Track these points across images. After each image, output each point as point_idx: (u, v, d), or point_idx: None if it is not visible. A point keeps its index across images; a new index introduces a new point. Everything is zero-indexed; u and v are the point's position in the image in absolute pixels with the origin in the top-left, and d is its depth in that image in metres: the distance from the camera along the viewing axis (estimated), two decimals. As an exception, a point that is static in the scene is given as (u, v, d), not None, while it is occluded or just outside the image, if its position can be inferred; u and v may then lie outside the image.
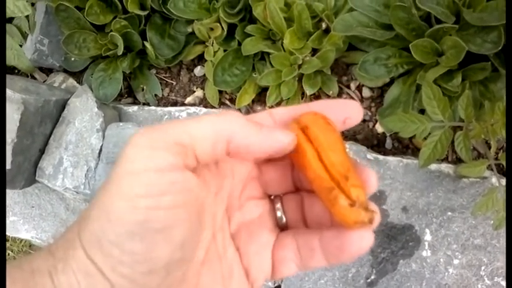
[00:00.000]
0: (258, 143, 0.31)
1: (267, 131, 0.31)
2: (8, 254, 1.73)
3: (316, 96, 1.01)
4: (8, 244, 1.74)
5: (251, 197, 0.37)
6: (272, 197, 0.38)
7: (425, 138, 0.80)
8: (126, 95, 1.14)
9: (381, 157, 0.88)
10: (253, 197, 0.37)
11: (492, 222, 0.83)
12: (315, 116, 0.33)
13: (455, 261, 0.84)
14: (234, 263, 0.35)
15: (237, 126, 0.30)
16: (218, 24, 0.99)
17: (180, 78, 1.11)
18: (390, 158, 0.88)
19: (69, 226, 0.31)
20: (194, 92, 1.09)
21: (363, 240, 0.31)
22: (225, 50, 1.01)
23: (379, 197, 0.86)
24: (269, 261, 0.35)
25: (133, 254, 0.28)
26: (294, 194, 0.37)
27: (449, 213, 0.85)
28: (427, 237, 0.85)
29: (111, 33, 1.02)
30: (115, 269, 0.28)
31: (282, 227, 0.37)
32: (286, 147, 0.32)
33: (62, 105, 1.05)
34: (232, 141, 0.30)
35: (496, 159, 0.83)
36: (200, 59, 1.10)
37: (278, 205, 0.37)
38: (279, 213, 0.37)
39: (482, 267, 0.83)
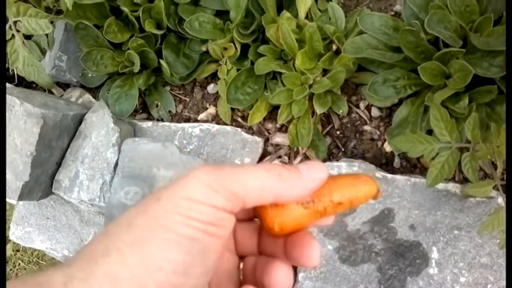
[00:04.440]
0: (302, 190, 0.35)
1: (306, 174, 0.35)
2: (19, 264, 1.76)
3: (326, 116, 1.04)
4: (18, 254, 1.77)
5: (227, 249, 0.40)
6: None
7: (432, 159, 0.82)
8: (140, 111, 1.18)
9: (389, 176, 0.91)
10: (227, 249, 0.40)
11: (498, 241, 0.85)
12: None
13: (462, 279, 0.85)
14: None
15: (283, 184, 0.34)
16: (232, 44, 1.03)
17: (194, 95, 1.14)
18: (398, 177, 0.90)
19: (89, 241, 0.32)
20: (207, 108, 1.12)
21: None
22: (238, 69, 1.04)
23: (387, 215, 0.88)
24: (238, 279, 0.40)
25: (174, 263, 0.30)
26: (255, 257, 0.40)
27: (456, 231, 0.87)
28: (434, 255, 0.87)
29: (128, 51, 1.06)
30: (151, 275, 0.29)
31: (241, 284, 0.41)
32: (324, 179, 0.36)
33: (79, 120, 1.09)
34: (279, 195, 0.34)
35: (502, 179, 0.85)
36: (213, 77, 1.13)
37: (241, 265, 0.41)
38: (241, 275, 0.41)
39: (489, 286, 0.85)
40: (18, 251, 1.77)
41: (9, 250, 1.75)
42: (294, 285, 0.92)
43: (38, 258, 1.74)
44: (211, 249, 0.32)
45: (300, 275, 0.91)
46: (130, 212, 0.32)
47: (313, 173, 0.35)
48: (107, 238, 0.31)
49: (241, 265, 0.41)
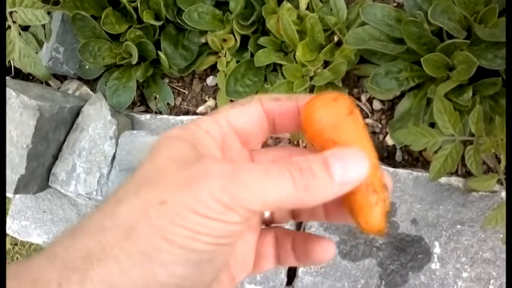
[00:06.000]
0: (331, 197, 0.29)
1: (341, 178, 0.29)
2: (17, 258, 1.74)
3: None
4: (16, 248, 1.75)
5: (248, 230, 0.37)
6: None
7: (435, 152, 0.81)
8: (138, 103, 1.16)
9: (391, 169, 0.89)
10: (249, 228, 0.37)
11: (501, 236, 0.83)
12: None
13: (464, 275, 0.84)
14: None
15: (308, 195, 0.29)
16: (231, 35, 1.01)
17: (193, 87, 1.12)
18: (400, 171, 0.89)
19: (81, 228, 0.29)
20: (206, 101, 1.10)
21: (326, 252, 0.34)
22: (237, 61, 1.03)
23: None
24: (252, 259, 0.37)
25: (181, 278, 0.28)
26: None
27: (459, 226, 0.85)
28: (436, 249, 0.86)
29: (125, 42, 1.04)
30: None
31: (265, 221, 0.38)
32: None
33: (76, 112, 1.07)
34: (302, 205, 0.30)
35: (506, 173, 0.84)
36: (212, 69, 1.11)
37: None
38: None
39: (491, 281, 0.83)
40: (16, 245, 1.75)
41: (7, 244, 1.74)
42: (293, 280, 0.91)
43: (36, 252, 1.72)
44: (223, 256, 0.30)
45: (300, 270, 0.90)
46: (129, 209, 0.28)
47: (349, 174, 0.29)
48: (102, 236, 0.28)
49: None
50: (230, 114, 0.34)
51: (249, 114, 0.34)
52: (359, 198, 0.30)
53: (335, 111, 0.30)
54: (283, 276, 0.92)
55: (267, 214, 0.38)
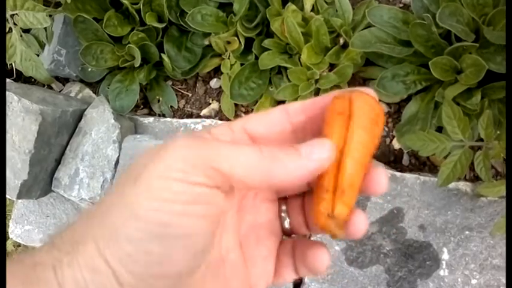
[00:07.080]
0: (299, 170, 0.30)
1: (306, 154, 0.30)
2: (20, 260, 1.74)
3: (333, 111, 1.01)
4: (19, 250, 1.75)
5: (264, 200, 0.37)
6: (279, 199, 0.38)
7: (444, 157, 0.80)
8: (142, 106, 1.15)
9: (398, 174, 0.88)
10: (266, 200, 0.37)
11: (511, 242, 0.82)
12: (367, 105, 0.32)
13: (473, 281, 0.83)
14: (238, 267, 0.35)
15: (275, 163, 0.29)
16: (235, 37, 1.00)
17: (196, 90, 1.11)
18: (407, 175, 0.87)
19: (77, 219, 0.30)
20: (210, 104, 1.09)
21: (318, 259, 0.34)
22: (241, 64, 1.01)
23: (396, 215, 0.86)
24: (273, 267, 0.37)
25: (149, 254, 0.28)
26: (299, 196, 0.38)
27: (467, 232, 0.84)
28: (445, 256, 0.84)
29: (128, 45, 1.03)
30: (127, 267, 0.28)
31: (286, 231, 0.38)
32: (327, 162, 0.31)
33: (79, 116, 1.06)
34: (271, 175, 0.30)
35: (516, 178, 0.82)
36: (216, 71, 1.10)
37: (284, 207, 0.38)
38: (283, 215, 0.38)
39: (501, 288, 0.82)
40: (19, 246, 1.75)
41: (9, 246, 1.73)
42: (300, 287, 0.90)
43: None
44: (198, 233, 0.29)
45: (307, 277, 0.89)
46: (113, 191, 0.30)
47: (314, 151, 0.30)
48: (88, 221, 0.30)
49: (284, 207, 0.38)
50: (247, 121, 0.34)
51: (268, 121, 0.34)
52: (315, 191, 0.32)
53: (329, 110, 0.33)
54: (288, 283, 0.91)
55: (287, 225, 0.38)
